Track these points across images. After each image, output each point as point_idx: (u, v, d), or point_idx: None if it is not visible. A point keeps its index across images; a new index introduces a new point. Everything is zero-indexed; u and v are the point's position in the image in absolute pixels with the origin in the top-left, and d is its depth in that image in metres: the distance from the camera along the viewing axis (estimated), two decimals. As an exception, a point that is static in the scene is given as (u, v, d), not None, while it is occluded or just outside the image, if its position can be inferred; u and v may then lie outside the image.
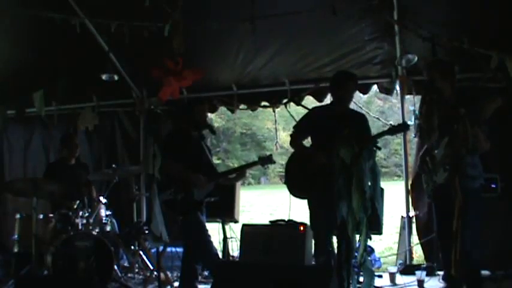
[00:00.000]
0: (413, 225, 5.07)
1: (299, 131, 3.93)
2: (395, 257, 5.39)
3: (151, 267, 4.72)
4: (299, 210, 4.04)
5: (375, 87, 5.37)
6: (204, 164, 4.00)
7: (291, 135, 3.96)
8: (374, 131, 3.88)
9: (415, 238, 5.08)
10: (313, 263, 3.69)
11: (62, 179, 4.69)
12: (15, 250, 4.39)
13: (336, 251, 3.69)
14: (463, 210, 2.78)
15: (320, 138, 3.79)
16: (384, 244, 7.00)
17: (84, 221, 4.42)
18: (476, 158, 3.28)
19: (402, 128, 3.59)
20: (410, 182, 5.09)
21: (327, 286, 2.74)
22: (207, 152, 4.11)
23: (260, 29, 4.33)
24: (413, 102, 5.04)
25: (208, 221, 4.07)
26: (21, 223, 4.41)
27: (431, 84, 3.51)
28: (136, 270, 4.86)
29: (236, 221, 5.07)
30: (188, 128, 4.07)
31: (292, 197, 3.86)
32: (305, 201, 3.84)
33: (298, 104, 3.99)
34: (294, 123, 4.00)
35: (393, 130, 3.61)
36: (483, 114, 2.98)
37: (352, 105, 4.07)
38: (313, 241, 3.69)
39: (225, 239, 4.67)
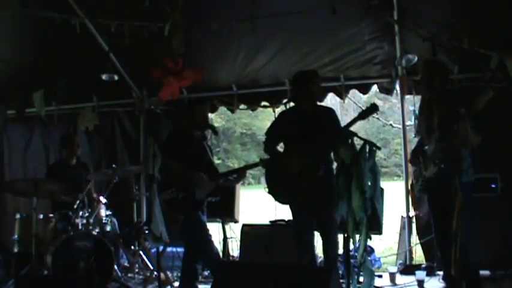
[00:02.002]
0: (413, 225, 5.07)
1: (271, 137, 3.89)
2: (395, 257, 5.39)
3: (151, 267, 4.72)
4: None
5: (375, 87, 5.37)
6: (205, 164, 4.00)
7: (264, 142, 3.92)
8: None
9: (415, 238, 5.08)
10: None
11: (62, 179, 4.70)
12: (15, 250, 4.39)
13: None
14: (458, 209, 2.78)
15: (293, 140, 3.75)
16: (384, 244, 6.99)
17: (84, 221, 4.42)
18: (465, 151, 3.28)
19: (371, 110, 3.54)
20: (410, 182, 5.08)
21: (327, 286, 2.74)
22: (209, 152, 4.11)
23: (260, 29, 4.33)
24: (413, 102, 5.04)
25: (208, 221, 4.07)
26: (21, 223, 4.41)
27: (425, 83, 3.53)
28: (137, 270, 4.86)
29: (236, 221, 5.07)
30: (189, 128, 4.07)
31: None
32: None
33: (298, 104, 3.97)
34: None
35: (363, 114, 3.55)
36: (475, 107, 2.97)
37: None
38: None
39: (225, 239, 4.67)
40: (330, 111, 3.85)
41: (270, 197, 3.79)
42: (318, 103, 3.95)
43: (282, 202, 3.78)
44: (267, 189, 3.77)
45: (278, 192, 3.74)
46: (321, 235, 3.68)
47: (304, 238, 3.70)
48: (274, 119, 4.04)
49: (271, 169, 3.84)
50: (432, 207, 3.63)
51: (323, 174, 3.59)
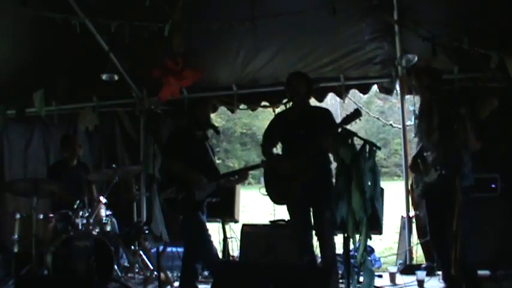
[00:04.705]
0: (413, 225, 5.07)
1: (267, 140, 3.97)
2: (395, 257, 5.39)
3: (151, 267, 4.72)
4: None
5: (375, 87, 5.37)
6: (206, 165, 3.99)
7: (261, 145, 3.99)
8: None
9: (415, 238, 5.08)
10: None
11: (62, 179, 4.69)
12: (15, 250, 4.39)
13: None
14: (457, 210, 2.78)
15: (286, 142, 3.85)
16: (384, 244, 6.99)
17: (84, 221, 4.41)
18: (466, 156, 3.29)
19: (354, 115, 3.44)
20: (410, 182, 5.08)
21: (327, 286, 2.74)
22: (211, 152, 4.11)
23: (260, 29, 4.33)
24: (413, 102, 5.04)
25: (208, 221, 4.07)
26: (21, 223, 4.41)
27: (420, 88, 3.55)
28: (137, 270, 4.86)
29: (236, 221, 5.07)
30: (191, 128, 4.07)
31: None
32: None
33: (298, 103, 3.97)
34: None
35: (346, 120, 3.45)
36: (480, 115, 2.99)
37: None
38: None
39: (225, 239, 4.66)
40: (326, 112, 3.88)
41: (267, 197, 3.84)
42: (316, 104, 3.97)
43: (278, 203, 3.86)
44: (263, 190, 3.84)
45: (273, 193, 3.80)
46: (316, 235, 3.69)
47: (301, 238, 3.74)
48: (270, 121, 4.06)
49: (267, 171, 3.89)
50: (430, 212, 3.64)
51: (316, 174, 3.60)
